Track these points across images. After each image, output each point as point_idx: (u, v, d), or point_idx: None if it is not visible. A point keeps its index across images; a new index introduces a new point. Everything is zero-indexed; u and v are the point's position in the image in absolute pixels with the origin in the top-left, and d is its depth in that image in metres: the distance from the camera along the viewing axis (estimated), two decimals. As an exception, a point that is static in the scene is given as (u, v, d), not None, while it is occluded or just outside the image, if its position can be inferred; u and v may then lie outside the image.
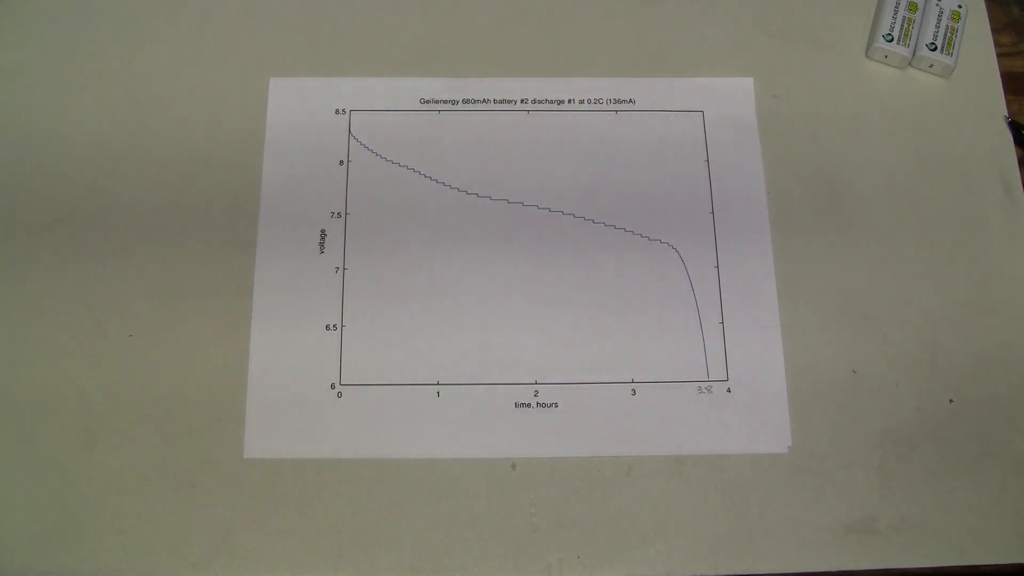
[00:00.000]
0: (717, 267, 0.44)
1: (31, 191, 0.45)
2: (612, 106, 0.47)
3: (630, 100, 0.47)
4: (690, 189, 0.46)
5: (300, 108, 0.47)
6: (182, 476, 0.41)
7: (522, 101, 0.47)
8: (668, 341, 0.43)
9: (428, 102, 0.47)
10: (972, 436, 0.42)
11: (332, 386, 0.42)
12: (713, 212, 0.45)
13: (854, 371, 0.43)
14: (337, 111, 0.47)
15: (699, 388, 0.43)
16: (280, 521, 0.40)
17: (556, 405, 0.42)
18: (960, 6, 0.48)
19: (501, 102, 0.47)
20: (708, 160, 0.46)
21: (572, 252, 0.44)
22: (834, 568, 0.40)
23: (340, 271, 0.44)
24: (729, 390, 0.43)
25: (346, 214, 0.45)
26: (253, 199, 0.45)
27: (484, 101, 0.47)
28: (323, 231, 0.44)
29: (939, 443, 0.42)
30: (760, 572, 0.40)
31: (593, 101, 0.47)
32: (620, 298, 0.44)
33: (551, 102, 0.47)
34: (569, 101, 0.47)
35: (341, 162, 0.45)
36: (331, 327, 0.43)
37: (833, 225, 0.45)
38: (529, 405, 0.42)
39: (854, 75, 0.48)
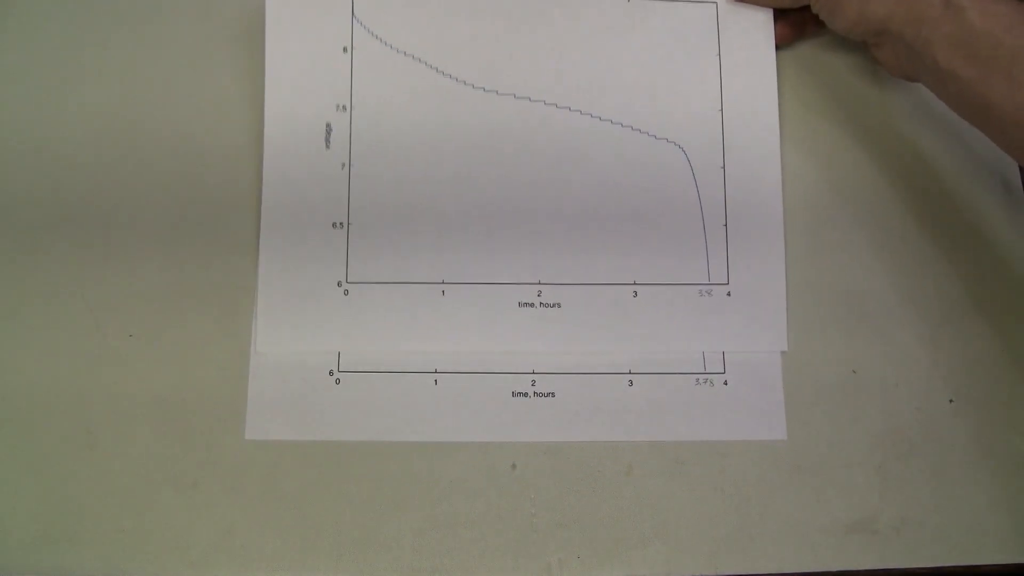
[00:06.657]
0: (723, 167, 0.44)
1: (31, 191, 0.45)
2: None
3: None
4: (698, 85, 0.45)
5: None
6: (182, 476, 0.41)
7: None
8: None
9: None
10: (972, 436, 0.42)
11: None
12: (722, 110, 0.45)
13: (854, 371, 0.43)
14: None
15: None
16: (280, 521, 0.40)
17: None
18: (960, 6, 0.48)
19: None
20: (720, 54, 0.45)
21: (580, 156, 0.44)
22: (834, 568, 0.40)
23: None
24: (729, 294, 0.43)
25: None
26: (254, 196, 0.44)
27: None
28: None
29: (939, 443, 0.42)
30: (760, 572, 0.40)
31: None
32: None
33: None
34: None
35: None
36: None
37: (834, 225, 0.45)
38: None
39: (855, 74, 0.48)
